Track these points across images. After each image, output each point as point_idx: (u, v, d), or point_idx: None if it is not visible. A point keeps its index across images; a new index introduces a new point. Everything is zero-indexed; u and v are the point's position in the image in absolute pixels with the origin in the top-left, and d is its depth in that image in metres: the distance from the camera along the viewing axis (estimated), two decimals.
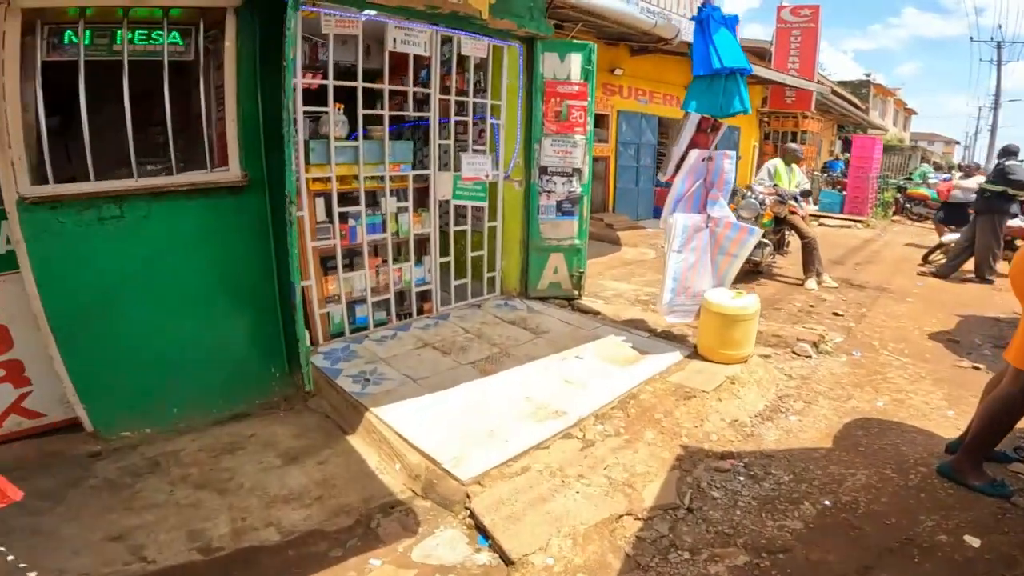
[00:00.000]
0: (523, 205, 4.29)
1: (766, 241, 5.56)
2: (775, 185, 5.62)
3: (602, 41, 8.61)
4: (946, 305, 5.37)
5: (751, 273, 5.97)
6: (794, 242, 6.16)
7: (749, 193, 5.37)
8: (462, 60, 3.98)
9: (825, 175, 12.95)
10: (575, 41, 4.16)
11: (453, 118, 3.87)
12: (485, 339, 3.77)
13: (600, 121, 9.45)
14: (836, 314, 4.97)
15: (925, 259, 7.22)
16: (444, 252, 4.07)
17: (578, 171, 4.22)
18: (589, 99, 4.13)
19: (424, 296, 4.09)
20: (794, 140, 12.79)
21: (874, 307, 5.24)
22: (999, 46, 26.56)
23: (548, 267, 4.37)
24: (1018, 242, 6.47)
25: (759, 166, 13.80)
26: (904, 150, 23.70)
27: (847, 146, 23.83)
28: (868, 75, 27.12)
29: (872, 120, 23.22)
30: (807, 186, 6.05)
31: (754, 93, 12.72)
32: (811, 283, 5.72)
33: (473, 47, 3.76)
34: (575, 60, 4.09)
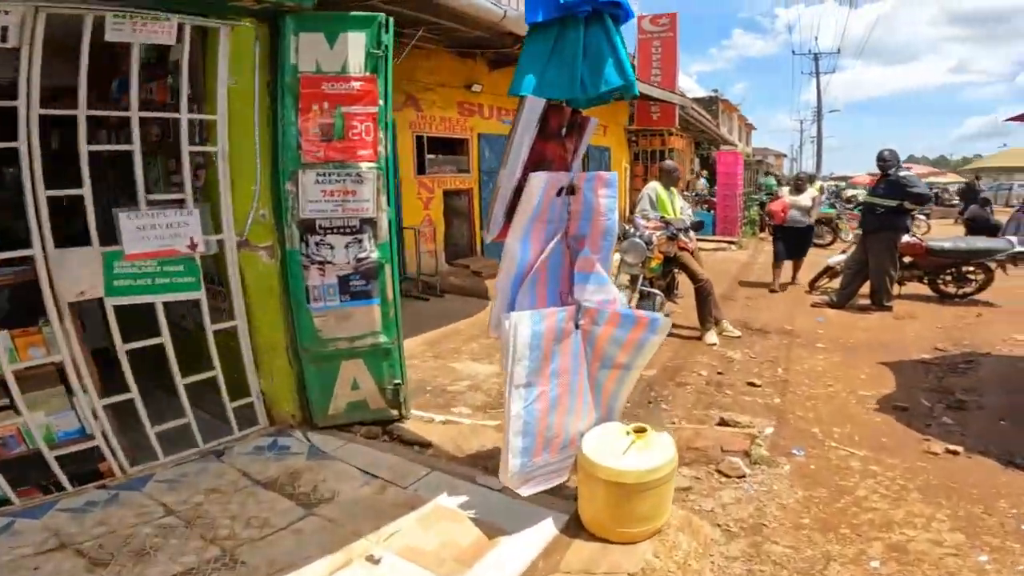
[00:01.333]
0: (281, 287, 2.57)
1: (655, 291, 4.35)
2: (662, 217, 4.45)
3: (454, 51, 7.24)
4: (861, 349, 4.50)
5: None
6: (684, 283, 5.07)
7: (632, 230, 4.14)
8: (164, 56, 2.28)
9: (694, 194, 12.66)
10: (354, 14, 2.56)
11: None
12: (203, 526, 2.04)
13: (459, 147, 8.04)
14: (752, 384, 3.82)
15: (812, 286, 6.58)
16: (144, 371, 2.26)
17: (370, 223, 2.56)
18: (382, 103, 2.55)
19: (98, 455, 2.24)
20: (661, 157, 12.36)
21: (789, 363, 4.21)
22: (816, 58, 29.74)
23: (341, 381, 2.66)
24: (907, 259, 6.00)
25: (631, 194, 13.37)
26: (751, 164, 25.45)
27: (704, 163, 25.00)
28: (715, 91, 29.02)
29: (725, 136, 24.56)
30: (690, 211, 4.98)
31: (620, 109, 12.15)
32: (711, 336, 4.62)
33: (141, 30, 2.06)
34: (355, 43, 2.49)
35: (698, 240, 10.80)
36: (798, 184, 6.90)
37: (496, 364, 4.40)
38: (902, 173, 5.37)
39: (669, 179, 4.85)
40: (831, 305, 5.72)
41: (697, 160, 22.61)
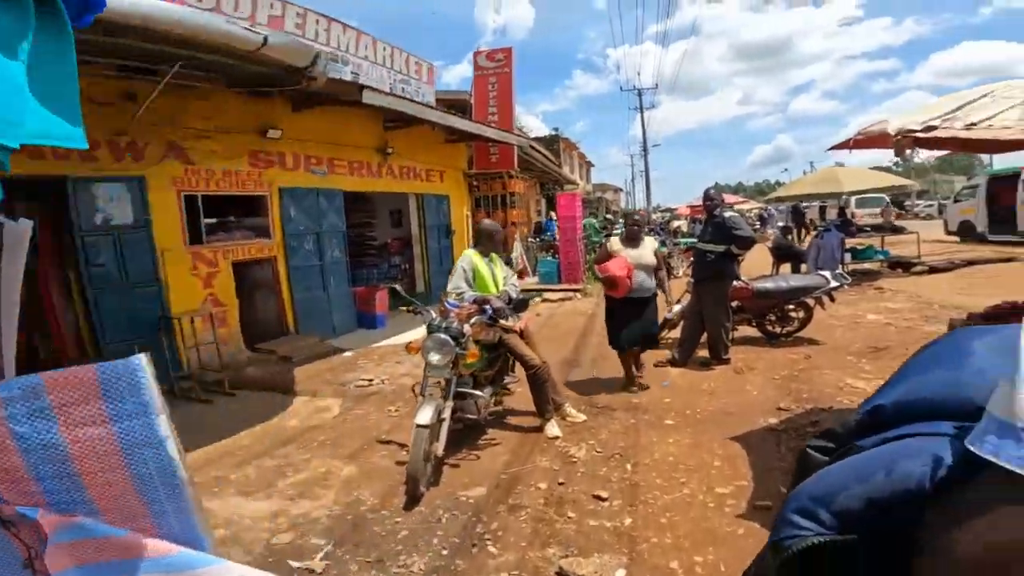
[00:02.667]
0: None
1: (474, 392, 3.51)
2: (476, 298, 3.63)
3: (241, 90, 6.01)
4: (709, 423, 4.07)
5: (471, 428, 3.88)
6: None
7: (436, 319, 3.28)
8: None
9: (539, 240, 12.46)
10: None
11: None
12: None
13: (254, 206, 6.71)
14: (598, 497, 3.11)
15: None
16: None
17: None
18: None
19: None
20: (504, 204, 12.02)
21: (638, 455, 3.60)
22: (639, 93, 32.72)
23: None
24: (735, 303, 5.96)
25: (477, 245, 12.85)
26: (592, 202, 26.96)
27: (551, 204, 25.77)
28: (556, 130, 30.47)
29: (567, 175, 25.64)
30: (515, 281, 4.13)
31: (458, 152, 11.60)
32: (552, 428, 3.89)
33: None
34: None
35: (546, 290, 10.61)
36: (632, 231, 4.67)
37: (273, 496, 3.25)
38: (727, 214, 5.20)
39: (488, 244, 3.99)
40: (673, 363, 5.40)
41: (544, 201, 23.21)
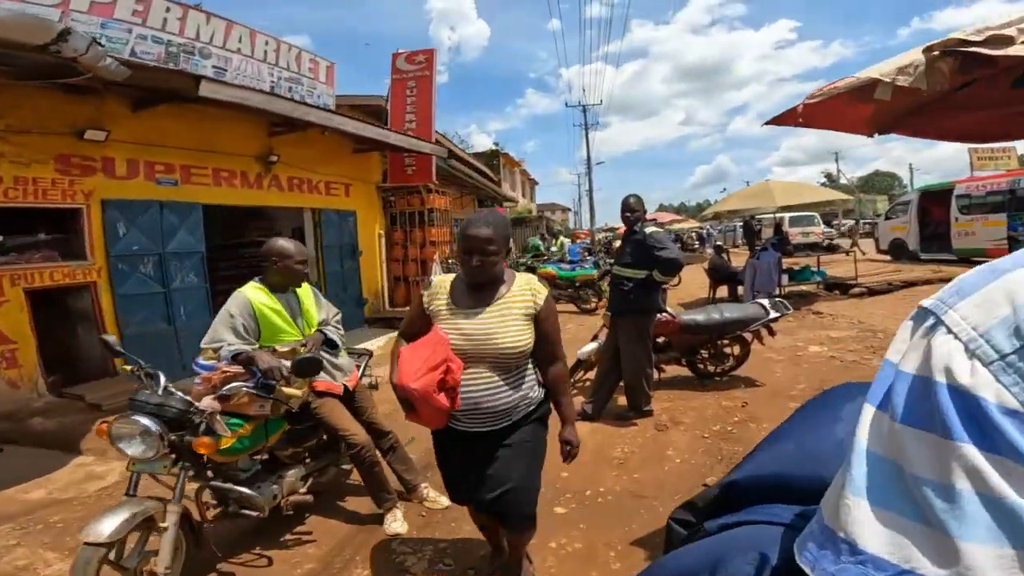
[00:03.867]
0: None
1: (246, 491, 2.31)
2: (240, 356, 2.36)
3: (47, 84, 4.68)
4: (611, 509, 3.02)
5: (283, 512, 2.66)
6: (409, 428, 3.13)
7: (143, 393, 2.06)
8: None
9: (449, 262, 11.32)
10: None
11: None
12: None
13: (65, 222, 5.30)
14: None
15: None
16: None
17: None
18: None
19: None
20: (422, 220, 10.85)
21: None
22: (584, 109, 32.60)
23: None
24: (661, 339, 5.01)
25: (391, 269, 11.48)
26: (532, 220, 26.20)
27: None
28: (497, 145, 29.73)
29: (505, 192, 24.82)
30: (338, 320, 2.98)
31: (371, 163, 10.39)
32: (393, 522, 2.72)
33: None
34: None
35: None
36: (469, 267, 2.41)
37: None
38: (648, 230, 4.13)
39: (285, 275, 2.66)
40: (585, 418, 4.35)
41: None
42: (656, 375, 4.90)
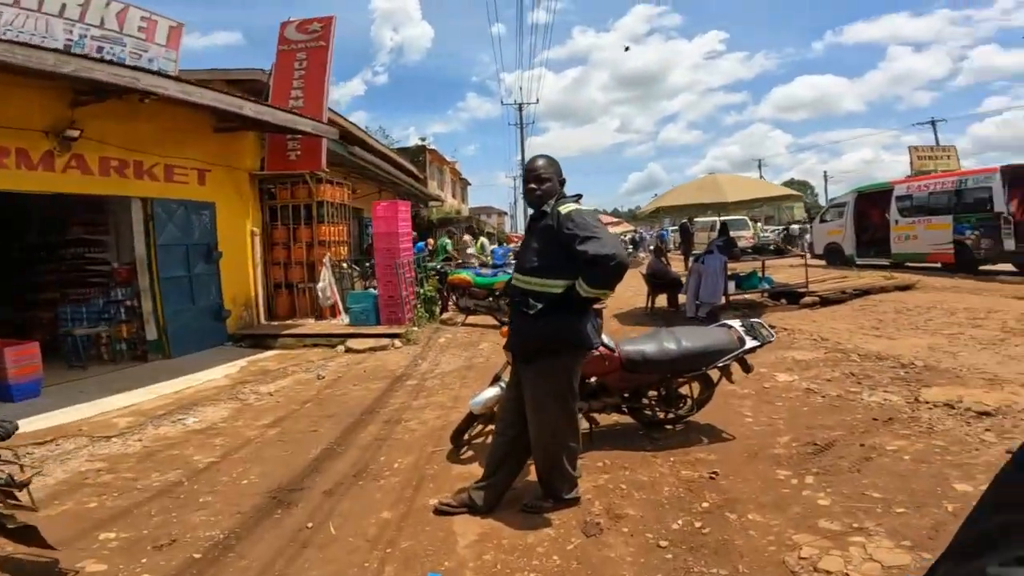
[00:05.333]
0: None
1: None
2: None
3: None
4: None
5: None
6: None
7: None
8: None
9: (356, 266, 9.43)
10: None
11: None
12: None
13: None
14: None
15: (457, 440, 3.65)
16: None
17: None
18: None
19: None
20: (310, 215, 8.90)
21: None
22: (520, 108, 31.34)
23: None
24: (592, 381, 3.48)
25: (267, 273, 8.86)
26: (461, 222, 24.52)
27: (413, 223, 22.78)
28: (424, 140, 27.77)
29: (429, 191, 22.94)
30: None
31: (240, 146, 8.35)
32: None
33: None
34: None
35: (355, 335, 7.54)
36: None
37: None
38: (565, 208, 2.50)
39: None
40: (472, 510, 2.72)
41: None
42: (588, 427, 3.39)
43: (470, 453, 3.65)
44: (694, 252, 13.10)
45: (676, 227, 23.34)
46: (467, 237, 13.63)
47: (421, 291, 8.49)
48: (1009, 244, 9.54)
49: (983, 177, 10.46)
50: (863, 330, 6.24)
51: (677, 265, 14.51)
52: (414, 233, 18.85)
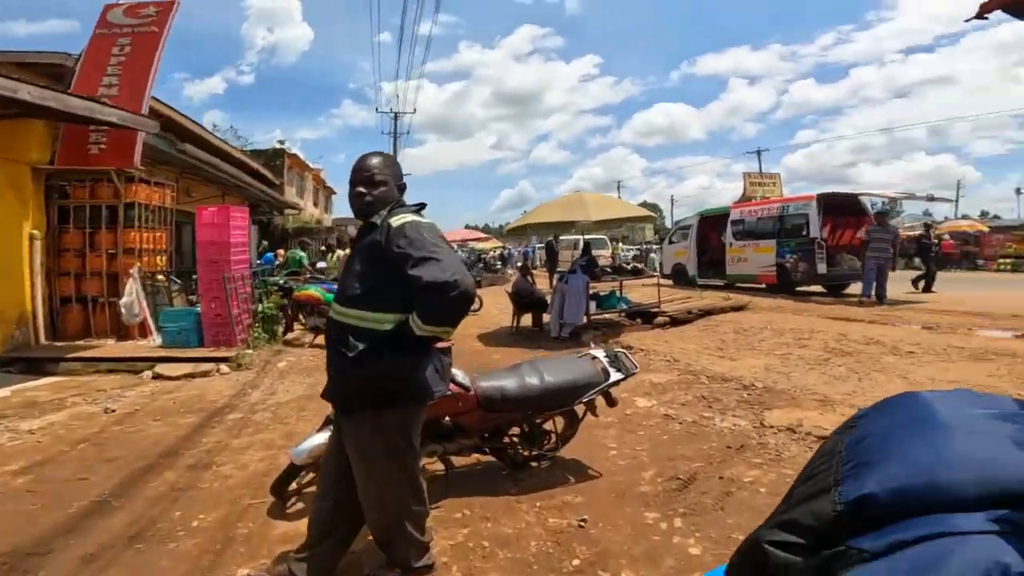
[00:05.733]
0: None
1: None
2: None
3: None
4: None
5: None
6: None
7: None
8: None
9: (174, 280, 8.01)
10: None
11: None
12: None
13: None
14: None
15: (280, 492, 2.98)
16: None
17: None
18: None
19: None
20: (113, 218, 7.35)
21: None
22: (396, 117, 30.12)
23: None
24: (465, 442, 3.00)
25: (53, 280, 6.87)
26: (321, 232, 22.85)
27: (265, 232, 20.59)
28: (283, 143, 25.46)
29: (286, 199, 20.99)
30: None
31: (24, 135, 6.66)
32: None
33: None
34: None
35: (168, 359, 6.07)
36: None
37: None
38: (398, 220, 1.92)
39: None
40: None
41: (256, 228, 18.28)
42: (444, 470, 2.94)
43: (300, 506, 3.00)
44: (559, 270, 13.36)
45: (543, 244, 23.93)
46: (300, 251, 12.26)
47: (260, 308, 7.37)
48: (822, 268, 10.84)
49: (802, 204, 11.66)
50: (708, 351, 6.56)
51: (543, 282, 14.76)
52: (265, 243, 17.07)
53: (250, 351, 6.56)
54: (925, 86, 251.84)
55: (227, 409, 4.87)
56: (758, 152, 35.64)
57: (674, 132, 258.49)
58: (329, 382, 2.08)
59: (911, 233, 16.81)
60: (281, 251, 13.12)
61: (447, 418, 2.98)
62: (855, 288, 11.30)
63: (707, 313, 8.65)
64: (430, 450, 3.06)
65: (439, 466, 3.15)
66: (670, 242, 16.07)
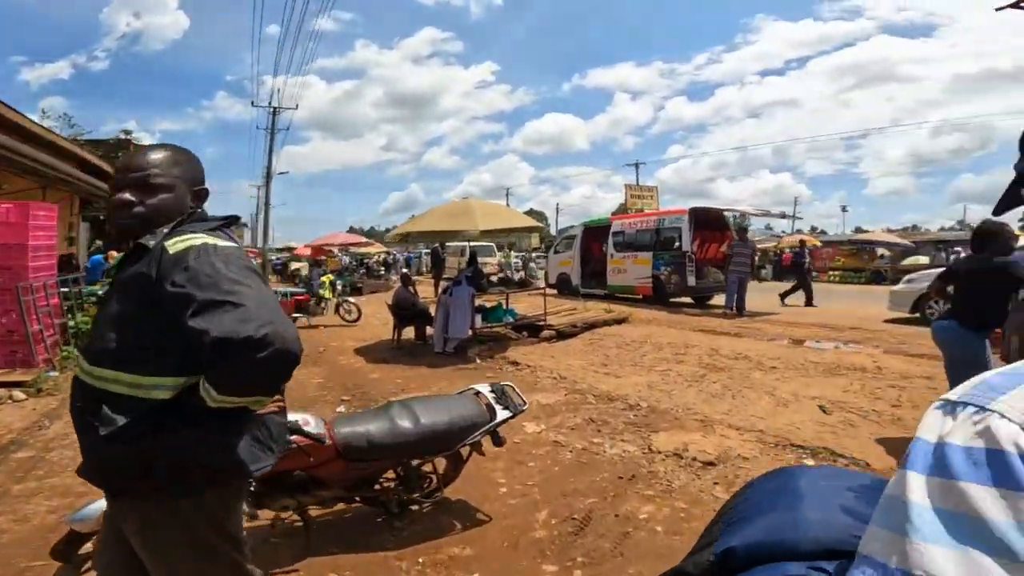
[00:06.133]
0: None
1: None
2: None
3: None
4: None
5: None
6: None
7: None
8: None
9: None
10: None
11: None
12: None
13: None
14: None
15: (66, 557, 2.28)
16: None
17: None
18: None
19: None
20: None
21: None
22: (275, 112, 27.28)
23: None
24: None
25: None
26: None
27: (101, 230, 17.52)
28: (129, 134, 22.04)
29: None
30: None
31: None
32: None
33: None
34: None
35: None
36: None
37: None
38: (179, 245, 1.27)
39: None
40: None
41: (86, 226, 15.57)
42: (303, 523, 2.39)
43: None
44: (445, 276, 12.87)
45: (429, 250, 23.22)
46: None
47: (72, 322, 6.03)
48: (691, 280, 11.49)
49: (675, 218, 12.27)
50: (594, 367, 6.52)
51: (428, 290, 14.19)
52: (99, 243, 14.53)
53: (55, 374, 5.30)
54: (775, 107, 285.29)
55: (13, 446, 3.86)
56: (636, 165, 38.07)
57: (562, 142, 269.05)
58: (83, 458, 1.44)
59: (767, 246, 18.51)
60: (114, 252, 11.13)
61: (298, 471, 2.42)
62: (717, 300, 12.16)
63: (592, 326, 8.72)
64: (282, 504, 2.50)
65: (296, 518, 2.60)
66: (555, 251, 16.25)
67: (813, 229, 41.11)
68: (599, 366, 6.56)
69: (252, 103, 26.98)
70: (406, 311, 8.21)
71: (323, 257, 23.35)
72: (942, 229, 45.94)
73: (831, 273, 23.64)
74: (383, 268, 26.36)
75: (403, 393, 5.50)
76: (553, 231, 50.55)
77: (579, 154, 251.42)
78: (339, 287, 10.86)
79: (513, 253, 34.11)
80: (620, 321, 9.14)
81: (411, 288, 8.76)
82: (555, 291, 15.28)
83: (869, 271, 22.24)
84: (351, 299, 10.84)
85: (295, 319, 8.57)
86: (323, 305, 10.66)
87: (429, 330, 8.25)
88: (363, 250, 26.98)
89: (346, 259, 29.43)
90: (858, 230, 46.38)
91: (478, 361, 7.24)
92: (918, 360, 5.78)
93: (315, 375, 6.70)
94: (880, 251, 24.27)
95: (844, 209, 48.73)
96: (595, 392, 5.46)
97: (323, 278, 11.41)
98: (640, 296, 12.59)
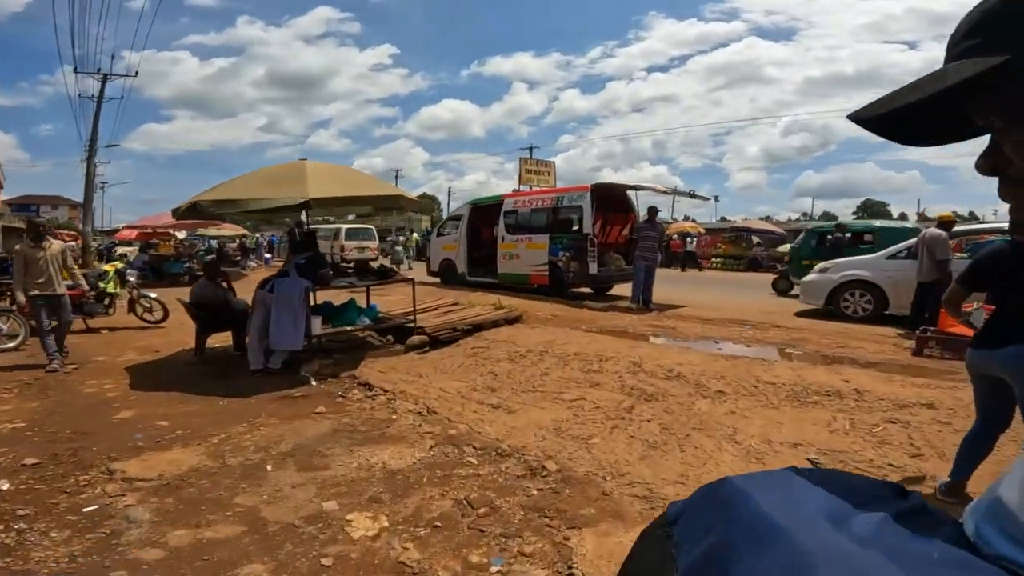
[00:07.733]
0: None
1: None
2: None
3: None
4: None
5: None
6: None
7: None
8: None
9: None
10: None
11: None
12: None
13: None
14: None
15: None
16: None
17: None
18: None
19: None
20: None
21: None
22: (105, 78, 21.70)
23: None
24: None
25: None
26: None
27: None
28: None
29: None
30: None
31: None
32: None
33: None
34: None
35: None
36: None
37: None
38: None
39: None
40: None
41: None
42: None
43: None
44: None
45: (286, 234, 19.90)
46: None
47: None
48: (593, 268, 9.84)
49: (577, 195, 10.45)
50: (478, 393, 4.58)
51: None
52: None
53: None
54: (656, 103, 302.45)
55: None
56: (530, 149, 36.85)
57: (457, 128, 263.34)
58: None
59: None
60: None
61: None
62: (619, 290, 10.81)
63: (477, 328, 6.77)
64: None
65: None
66: (439, 234, 13.99)
67: (687, 218, 42.87)
68: (485, 392, 4.62)
69: (75, 70, 21.46)
70: (207, 312, 5.70)
71: (155, 240, 19.25)
72: (790, 220, 50.30)
73: (714, 260, 23.94)
74: (240, 253, 22.41)
75: (155, 448, 3.18)
76: (445, 214, 48.20)
77: (475, 141, 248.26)
78: (134, 279, 7.91)
79: (416, 236, 31.15)
80: (512, 321, 7.27)
81: (222, 280, 6.19)
82: (438, 280, 13.24)
83: (747, 258, 22.70)
84: (151, 294, 7.94)
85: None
86: (109, 302, 7.68)
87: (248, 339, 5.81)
88: (215, 232, 22.82)
89: (213, 243, 24.86)
90: (723, 219, 49.43)
91: (313, 383, 5.02)
92: (898, 380, 4.49)
93: (20, 415, 4.09)
94: (755, 239, 25.11)
95: (716, 199, 51.60)
96: (477, 442, 3.52)
97: (106, 267, 8.34)
98: (535, 286, 10.83)
